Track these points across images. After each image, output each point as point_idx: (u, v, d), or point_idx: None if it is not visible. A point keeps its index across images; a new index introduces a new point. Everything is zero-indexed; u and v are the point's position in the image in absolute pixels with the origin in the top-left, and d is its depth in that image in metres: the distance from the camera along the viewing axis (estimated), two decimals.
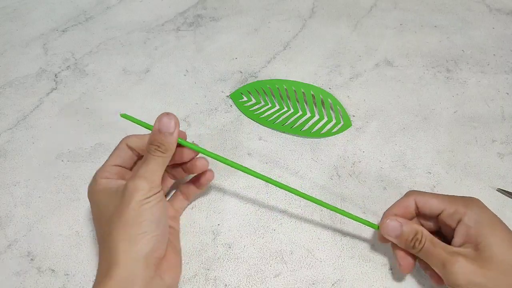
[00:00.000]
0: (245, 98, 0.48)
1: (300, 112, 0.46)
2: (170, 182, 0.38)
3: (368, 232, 0.37)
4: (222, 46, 0.54)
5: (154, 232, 0.29)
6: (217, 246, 0.37)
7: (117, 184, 0.31)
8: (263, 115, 0.46)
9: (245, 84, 0.49)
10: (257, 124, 0.46)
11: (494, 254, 0.27)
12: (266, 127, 0.45)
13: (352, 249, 0.37)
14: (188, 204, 0.39)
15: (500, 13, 0.58)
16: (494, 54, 0.52)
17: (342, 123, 0.45)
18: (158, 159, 0.30)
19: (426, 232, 0.30)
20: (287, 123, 0.45)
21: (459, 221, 0.30)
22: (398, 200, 0.34)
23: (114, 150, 0.34)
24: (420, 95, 0.48)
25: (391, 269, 0.35)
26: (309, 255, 0.37)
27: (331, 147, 0.44)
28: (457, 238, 0.30)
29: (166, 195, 0.39)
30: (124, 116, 0.32)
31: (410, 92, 0.48)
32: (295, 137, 0.45)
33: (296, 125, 0.45)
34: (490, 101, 0.48)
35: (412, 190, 0.34)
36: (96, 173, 0.33)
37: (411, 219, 0.33)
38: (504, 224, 0.29)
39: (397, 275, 0.35)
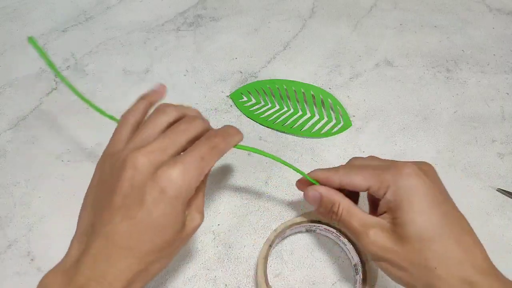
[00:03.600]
0: (245, 98, 0.48)
1: (300, 112, 0.46)
2: None
3: None
4: (222, 46, 0.53)
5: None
6: (217, 246, 0.37)
7: None
8: (263, 115, 0.46)
9: (245, 84, 0.49)
10: (257, 124, 0.46)
11: (408, 232, 0.25)
12: (266, 127, 0.45)
13: None
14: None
15: (500, 13, 0.57)
16: (494, 54, 0.52)
17: (342, 123, 0.45)
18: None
19: (344, 203, 0.29)
20: (287, 123, 0.45)
21: (384, 194, 0.28)
22: (329, 169, 0.31)
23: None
24: (420, 95, 0.48)
25: None
26: (309, 255, 0.37)
27: (331, 147, 0.44)
28: (380, 208, 0.28)
29: None
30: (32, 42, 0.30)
31: (410, 92, 0.48)
32: (295, 137, 0.45)
33: (296, 125, 0.45)
34: (490, 101, 0.48)
35: (342, 167, 0.31)
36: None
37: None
38: (433, 197, 0.26)
39: None
